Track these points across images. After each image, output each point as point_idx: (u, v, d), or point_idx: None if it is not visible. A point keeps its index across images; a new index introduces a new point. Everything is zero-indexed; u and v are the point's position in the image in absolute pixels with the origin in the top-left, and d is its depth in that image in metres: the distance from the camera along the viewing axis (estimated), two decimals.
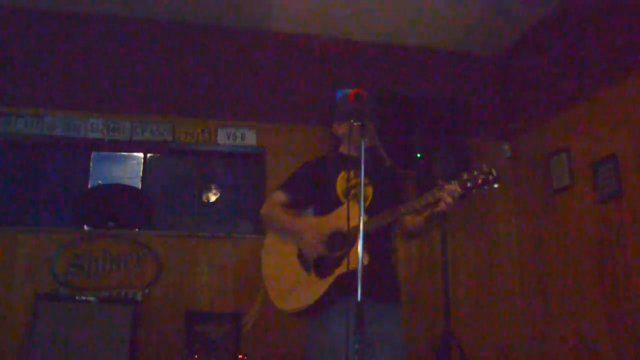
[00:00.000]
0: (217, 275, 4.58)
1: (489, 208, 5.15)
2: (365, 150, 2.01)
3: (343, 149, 2.51)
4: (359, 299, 1.78)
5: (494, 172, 2.13)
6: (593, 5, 3.62)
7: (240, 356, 4.09)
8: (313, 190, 2.45)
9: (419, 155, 4.48)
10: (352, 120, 2.08)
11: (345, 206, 2.24)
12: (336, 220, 2.28)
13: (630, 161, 3.83)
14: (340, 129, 2.49)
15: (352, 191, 2.31)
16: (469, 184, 2.13)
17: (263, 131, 5.00)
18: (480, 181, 2.13)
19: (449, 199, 2.14)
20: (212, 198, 5.00)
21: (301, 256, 2.32)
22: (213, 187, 5.01)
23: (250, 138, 4.99)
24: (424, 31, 4.22)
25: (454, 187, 2.14)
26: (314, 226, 2.32)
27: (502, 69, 4.65)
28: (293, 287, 2.30)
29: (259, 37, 4.24)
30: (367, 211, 2.15)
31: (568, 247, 4.41)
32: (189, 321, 4.25)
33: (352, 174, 2.35)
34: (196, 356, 4.04)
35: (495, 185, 2.12)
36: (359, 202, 1.97)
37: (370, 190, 2.37)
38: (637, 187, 3.77)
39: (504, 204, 5.20)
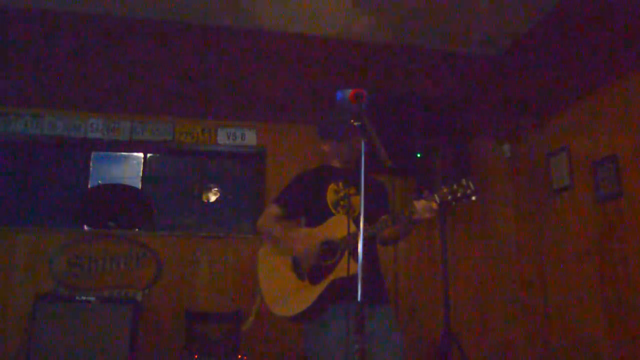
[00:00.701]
0: (217, 275, 4.58)
1: (489, 208, 5.15)
2: (354, 161, 2.27)
3: (333, 163, 2.63)
4: (359, 299, 1.85)
5: (472, 185, 2.20)
6: (592, 5, 3.61)
7: (240, 356, 4.09)
8: (305, 202, 2.56)
9: (419, 155, 4.48)
10: (352, 120, 2.12)
11: (334, 217, 2.41)
12: (326, 230, 2.39)
13: (630, 161, 3.83)
14: (327, 147, 2.61)
15: (342, 202, 2.45)
16: (449, 197, 2.22)
17: (263, 131, 5.01)
18: (459, 194, 2.22)
19: (425, 215, 2.24)
20: (212, 198, 5.00)
21: (295, 265, 2.42)
22: (213, 187, 5.01)
23: (250, 138, 4.99)
24: (423, 31, 4.22)
25: (425, 203, 2.23)
26: (306, 237, 2.41)
27: (502, 69, 4.64)
28: (288, 294, 2.40)
29: (259, 37, 4.23)
30: (356, 220, 2.26)
31: (568, 247, 4.41)
32: (189, 321, 4.25)
33: (341, 185, 2.49)
34: (196, 356, 4.04)
35: (473, 198, 2.21)
36: (352, 210, 2.31)
37: (358, 200, 2.44)
38: (637, 187, 3.77)
39: (504, 204, 5.20)
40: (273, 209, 2.57)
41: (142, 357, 4.14)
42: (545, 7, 3.85)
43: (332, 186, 2.50)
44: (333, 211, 2.44)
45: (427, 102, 4.66)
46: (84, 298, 3.93)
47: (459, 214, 5.02)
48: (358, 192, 2.40)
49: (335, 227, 2.36)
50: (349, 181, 2.47)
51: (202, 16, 4.00)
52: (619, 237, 3.89)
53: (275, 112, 4.93)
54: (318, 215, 2.46)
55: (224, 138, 4.96)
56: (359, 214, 2.35)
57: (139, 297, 4.17)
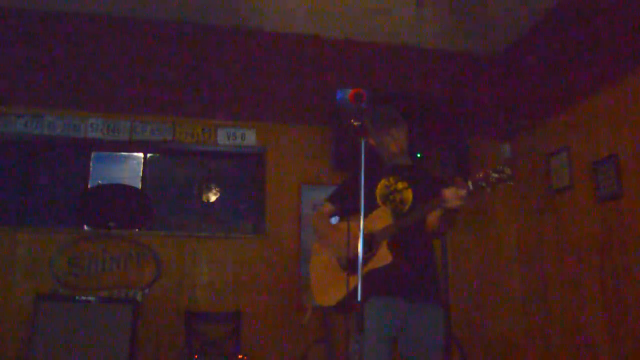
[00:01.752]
0: (217, 275, 4.58)
1: (489, 208, 5.15)
2: (399, 155, 2.50)
3: (383, 158, 2.69)
4: (359, 299, 1.86)
5: (507, 170, 2.17)
6: (593, 4, 3.61)
7: (240, 356, 4.09)
8: (355, 199, 2.58)
9: (418, 155, 4.48)
10: (351, 120, 2.14)
11: (376, 210, 2.46)
12: (368, 223, 2.40)
13: (630, 161, 3.83)
14: (374, 143, 2.66)
15: (391, 197, 2.52)
16: (483, 183, 2.19)
17: (263, 131, 5.00)
18: (494, 180, 2.17)
19: (454, 203, 2.22)
20: (212, 198, 5.00)
21: (338, 257, 2.54)
22: (213, 187, 5.01)
23: (250, 138, 4.99)
24: (423, 31, 4.22)
25: (453, 191, 2.21)
26: (346, 230, 2.45)
27: (502, 69, 4.64)
28: (331, 285, 2.52)
29: (259, 37, 4.23)
30: (405, 212, 2.44)
31: (568, 247, 4.41)
32: (189, 321, 4.26)
33: (391, 180, 2.55)
34: (196, 356, 4.04)
35: (510, 183, 2.18)
36: (402, 203, 2.46)
37: (409, 194, 2.53)
38: (637, 187, 3.77)
39: (505, 204, 5.19)
40: (326, 206, 2.76)
41: (142, 357, 4.14)
42: (545, 6, 3.86)
43: (383, 181, 2.57)
44: (380, 205, 2.51)
45: (427, 102, 4.66)
46: (84, 298, 3.94)
47: (459, 214, 5.01)
48: (409, 186, 2.55)
49: (376, 220, 2.42)
50: (398, 176, 2.55)
51: (202, 16, 4.01)
52: (619, 237, 3.89)
53: (275, 112, 4.93)
54: (366, 209, 2.45)
55: (224, 138, 4.95)
56: (410, 207, 2.49)
57: (139, 297, 4.16)
